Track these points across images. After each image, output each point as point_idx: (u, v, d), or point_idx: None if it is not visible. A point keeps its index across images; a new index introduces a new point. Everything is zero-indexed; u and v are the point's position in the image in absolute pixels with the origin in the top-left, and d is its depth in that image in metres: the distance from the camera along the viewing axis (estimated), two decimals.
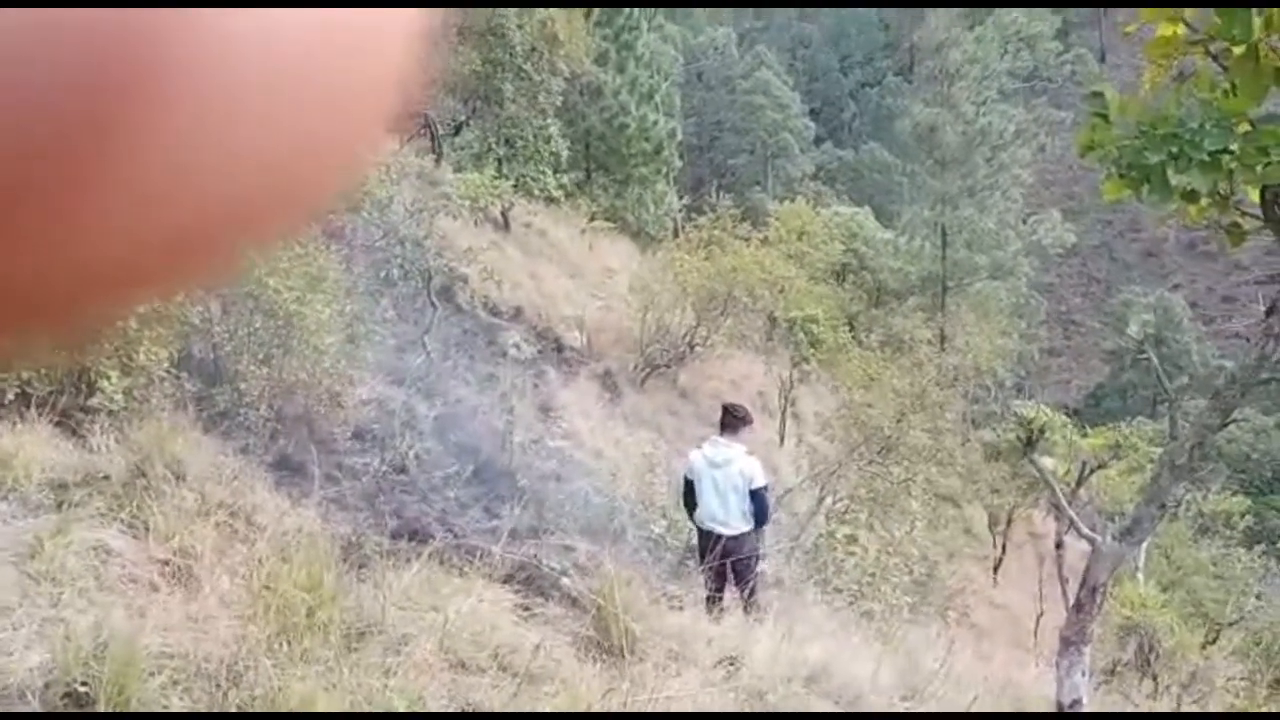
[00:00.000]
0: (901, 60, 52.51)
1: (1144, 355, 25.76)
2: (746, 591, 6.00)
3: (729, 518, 6.13)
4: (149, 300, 0.22)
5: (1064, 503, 2.82)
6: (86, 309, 0.21)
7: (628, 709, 3.24)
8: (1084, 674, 2.71)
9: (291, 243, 7.18)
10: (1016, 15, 38.08)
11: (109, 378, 5.15)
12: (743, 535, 6.11)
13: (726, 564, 5.89)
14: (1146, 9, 2.45)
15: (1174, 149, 2.54)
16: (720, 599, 5.95)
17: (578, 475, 10.70)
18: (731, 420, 6.37)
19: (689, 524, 6.85)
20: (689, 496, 6.39)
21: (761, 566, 6.72)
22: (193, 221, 0.21)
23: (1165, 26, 2.46)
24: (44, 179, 0.19)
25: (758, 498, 6.12)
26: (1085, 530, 2.79)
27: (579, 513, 8.39)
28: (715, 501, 6.15)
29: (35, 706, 3.13)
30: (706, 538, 6.20)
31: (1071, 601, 2.69)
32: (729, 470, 6.14)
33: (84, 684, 3.11)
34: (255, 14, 0.19)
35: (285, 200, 0.22)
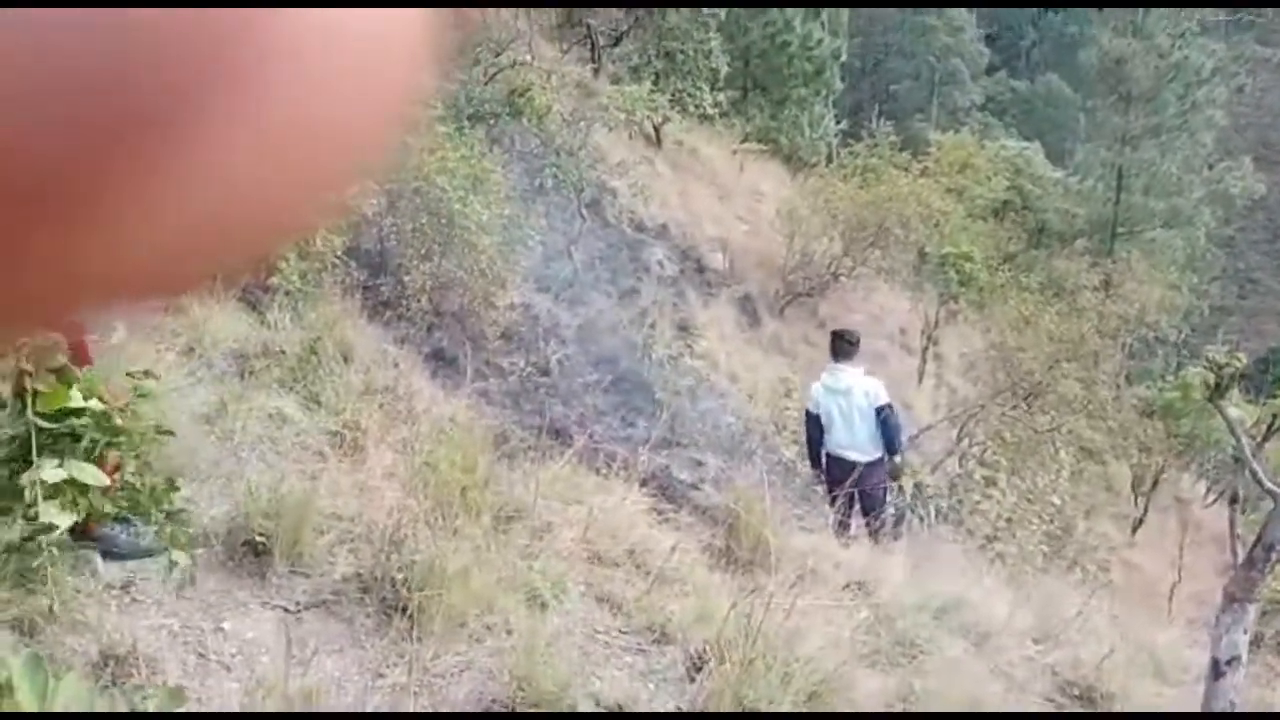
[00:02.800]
0: None
1: None
2: (877, 522, 5.99)
3: (860, 442, 6.10)
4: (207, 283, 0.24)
5: (1249, 455, 2.66)
6: (165, 290, 0.23)
7: (759, 617, 3.32)
8: (1245, 632, 2.61)
9: (457, 143, 7.38)
10: None
11: (287, 260, 5.47)
12: (876, 461, 6.08)
13: (855, 492, 5.86)
14: None
15: None
16: (849, 525, 5.95)
17: (712, 395, 10.78)
18: (844, 345, 6.32)
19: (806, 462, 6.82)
20: (813, 431, 6.38)
21: (893, 501, 6.66)
22: (269, 205, 0.22)
23: None
24: (121, 166, 0.20)
25: (884, 417, 6.06)
26: (1269, 484, 2.65)
27: (711, 431, 8.49)
28: (843, 428, 6.14)
29: (218, 550, 3.45)
30: (838, 465, 6.19)
31: (1241, 559, 2.58)
32: (852, 395, 6.09)
33: (262, 535, 3.39)
34: (322, 13, 0.21)
35: (328, 186, 0.23)
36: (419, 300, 6.42)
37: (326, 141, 0.22)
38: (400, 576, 3.23)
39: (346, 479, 3.82)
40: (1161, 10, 27.02)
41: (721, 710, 3.15)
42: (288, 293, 5.38)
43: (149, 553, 3.16)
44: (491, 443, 4.56)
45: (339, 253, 5.83)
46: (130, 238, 0.21)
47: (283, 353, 4.89)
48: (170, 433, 2.23)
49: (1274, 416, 3.40)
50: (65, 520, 1.99)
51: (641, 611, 3.68)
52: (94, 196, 0.20)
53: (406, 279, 6.43)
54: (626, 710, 3.18)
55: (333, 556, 3.47)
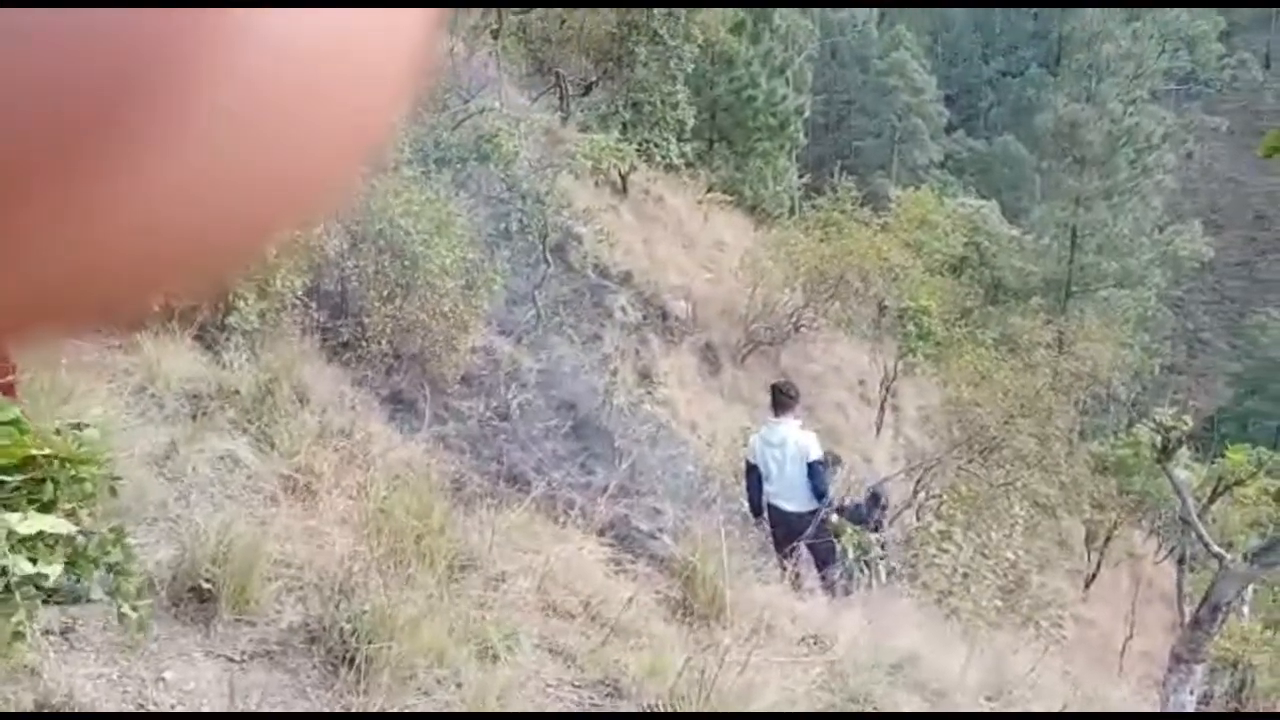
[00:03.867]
0: (1048, 51, 50.36)
1: None
2: (826, 575, 6.07)
3: (793, 493, 6.25)
4: (167, 293, 0.23)
5: (1195, 517, 2.71)
6: (104, 301, 0.22)
7: (715, 671, 3.29)
8: (1192, 693, 2.63)
9: (423, 186, 7.39)
10: (1180, 13, 36.00)
11: (246, 299, 5.41)
12: (810, 513, 6.20)
13: (800, 543, 5.99)
14: None
15: None
16: (799, 578, 5.98)
17: (672, 442, 10.78)
18: (782, 399, 6.52)
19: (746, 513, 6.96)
20: (751, 481, 6.57)
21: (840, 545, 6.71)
22: (221, 213, 0.21)
23: None
24: (65, 171, 0.20)
25: (814, 471, 6.22)
26: (1214, 547, 2.70)
27: (671, 479, 8.47)
28: (778, 478, 6.31)
29: (163, 597, 3.36)
30: (775, 514, 6.36)
31: (1188, 619, 2.61)
32: (786, 448, 6.25)
33: (208, 581, 3.31)
34: (284, 14, 0.20)
35: (305, 193, 0.22)
36: (379, 342, 6.37)
37: (277, 155, 0.21)
38: (349, 626, 3.17)
39: (298, 524, 3.75)
40: (1116, 77, 27.95)
41: None
42: (245, 332, 5.32)
43: (91, 598, 3.07)
44: (448, 488, 4.52)
45: (299, 293, 5.79)
46: (58, 245, 0.20)
47: (237, 393, 4.82)
48: (118, 479, 2.19)
49: (1219, 480, 3.47)
50: (55, 569, 1.93)
51: (595, 665, 3.64)
52: (25, 200, 0.20)
53: (367, 321, 6.39)
54: None
55: (280, 604, 3.40)
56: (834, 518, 6.53)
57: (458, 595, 3.51)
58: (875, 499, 6.79)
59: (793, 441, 6.31)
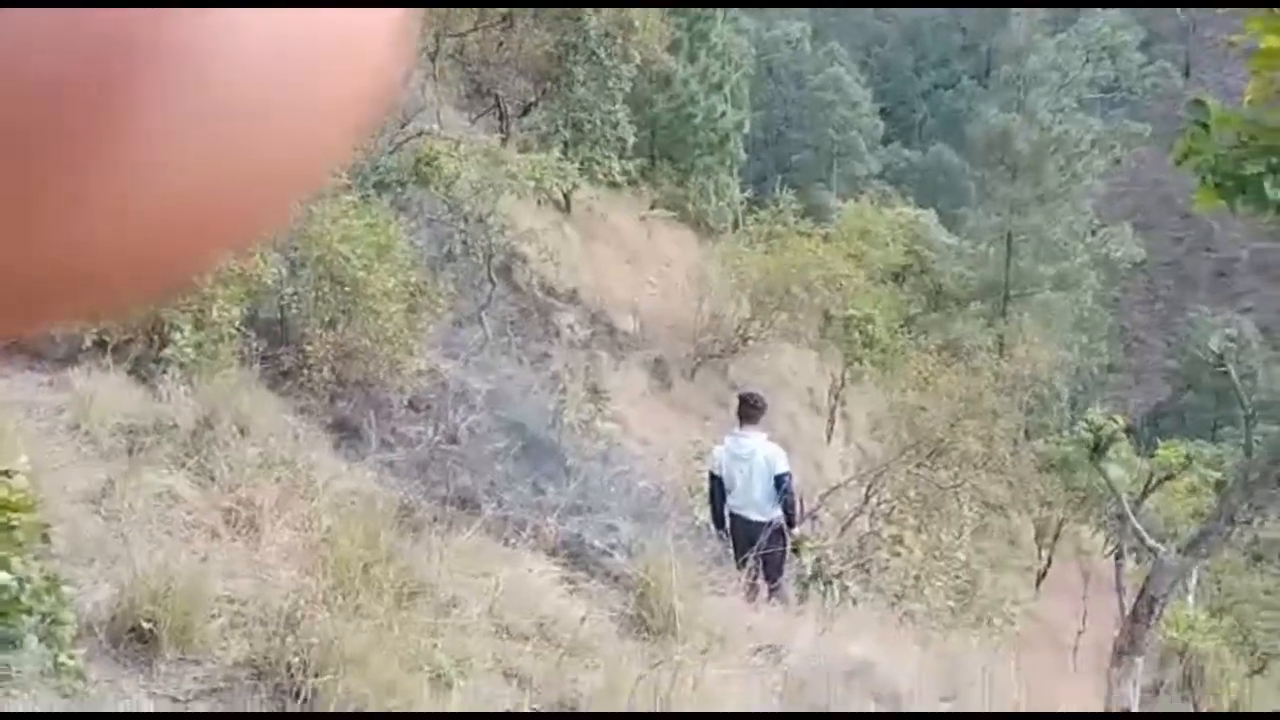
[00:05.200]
0: (978, 64, 51.60)
1: (1222, 369, 25.08)
2: (774, 584, 6.09)
3: (759, 503, 6.25)
4: (123, 299, 0.22)
5: (1129, 512, 2.78)
6: (55, 306, 0.22)
7: (669, 687, 3.28)
8: (1134, 684, 2.68)
9: (362, 211, 7.32)
10: (1101, 24, 37.14)
11: (182, 330, 5.30)
12: (773, 522, 6.21)
13: (755, 553, 5.99)
14: (1254, 21, 2.40)
15: (1274, 160, 2.50)
16: (759, 588, 6.00)
17: (624, 459, 10.76)
18: (749, 410, 6.49)
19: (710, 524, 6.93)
20: (715, 492, 6.53)
21: (799, 560, 6.76)
22: (166, 219, 0.21)
23: (1270, 39, 2.40)
24: (21, 171, 0.19)
25: (782, 484, 6.22)
26: (1149, 540, 2.76)
27: (624, 495, 8.44)
28: (743, 490, 6.29)
29: (102, 640, 3.25)
30: (739, 525, 6.32)
31: (1127, 612, 2.66)
32: (754, 460, 6.25)
33: (149, 621, 3.22)
34: (232, 14, 0.20)
35: (259, 198, 0.22)
36: (321, 369, 6.28)
37: (227, 157, 0.21)
38: (296, 660, 3.10)
39: (240, 559, 3.67)
40: (1043, 87, 28.69)
41: None
42: (181, 364, 5.21)
43: (25, 647, 2.96)
44: (396, 515, 4.45)
45: (237, 323, 5.68)
46: (23, 244, 0.20)
47: (175, 427, 4.71)
48: (48, 526, 2.12)
49: (1150, 475, 3.56)
50: None
51: (550, 686, 3.60)
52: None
53: (308, 348, 6.29)
54: None
55: (225, 641, 3.31)
56: (796, 532, 6.52)
57: (408, 624, 3.46)
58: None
59: (761, 454, 6.29)
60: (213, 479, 4.25)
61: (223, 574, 3.52)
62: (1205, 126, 2.75)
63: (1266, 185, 2.60)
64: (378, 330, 6.66)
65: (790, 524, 6.32)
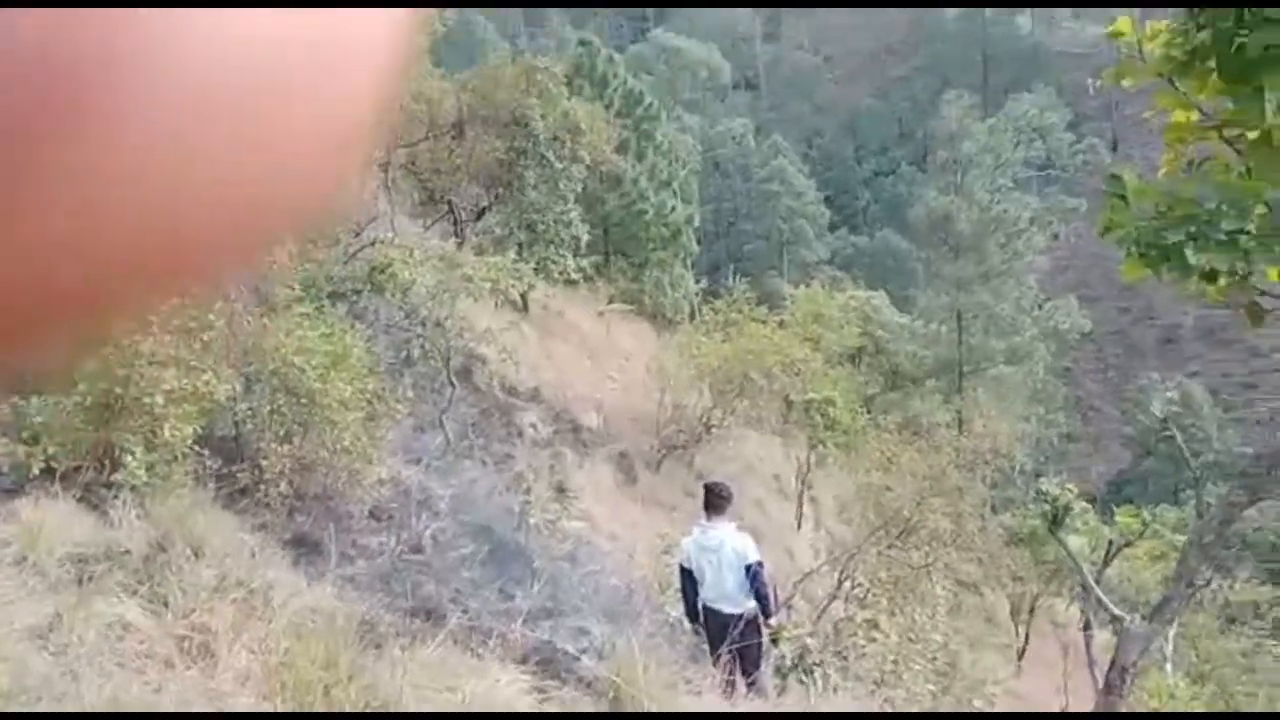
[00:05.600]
0: (915, 150, 53.48)
1: (1168, 434, 25.57)
2: (751, 678, 5.96)
3: (731, 594, 6.15)
4: (99, 317, 0.22)
5: (1091, 581, 2.78)
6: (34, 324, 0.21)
7: None
8: None
9: (316, 322, 7.30)
10: (1028, 107, 38.75)
11: (133, 453, 5.19)
12: (747, 614, 6.11)
13: (730, 647, 5.87)
14: (1163, 98, 2.53)
15: (1192, 229, 2.60)
16: (735, 683, 5.87)
17: (593, 557, 10.60)
18: (715, 500, 6.44)
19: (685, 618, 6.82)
20: (687, 585, 6.44)
21: (777, 651, 6.65)
22: (137, 228, 0.20)
23: (1180, 113, 2.53)
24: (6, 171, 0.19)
25: (754, 574, 6.14)
26: (1114, 610, 2.76)
27: (594, 595, 8.28)
28: (714, 582, 6.20)
29: None
30: (713, 618, 6.21)
31: (1100, 684, 2.64)
32: (723, 551, 6.18)
33: None
34: (206, 14, 0.20)
35: (245, 204, 0.21)
36: (278, 484, 6.16)
37: (202, 161, 0.20)
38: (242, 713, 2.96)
39: (195, 688, 3.52)
40: (978, 169, 29.74)
41: None
42: (133, 488, 5.08)
43: None
44: (357, 632, 4.32)
45: (190, 442, 5.58)
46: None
47: (127, 553, 4.57)
48: None
49: (1110, 544, 3.58)
50: None
51: None
52: None
53: (265, 463, 6.18)
54: None
55: None
56: (773, 622, 6.42)
57: None
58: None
59: (729, 545, 6.21)
60: (166, 605, 4.11)
61: (177, 704, 3.38)
62: (1124, 199, 2.86)
63: (1188, 253, 2.69)
64: (335, 441, 6.57)
65: (766, 614, 6.22)
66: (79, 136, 0.19)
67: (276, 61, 0.20)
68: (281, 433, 6.51)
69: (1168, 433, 26.70)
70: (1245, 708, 10.94)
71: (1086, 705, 11.84)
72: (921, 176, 44.82)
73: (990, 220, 28.72)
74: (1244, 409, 43.33)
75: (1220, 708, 10.54)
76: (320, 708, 3.32)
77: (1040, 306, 31.25)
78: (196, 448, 5.82)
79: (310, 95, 0.21)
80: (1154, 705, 8.72)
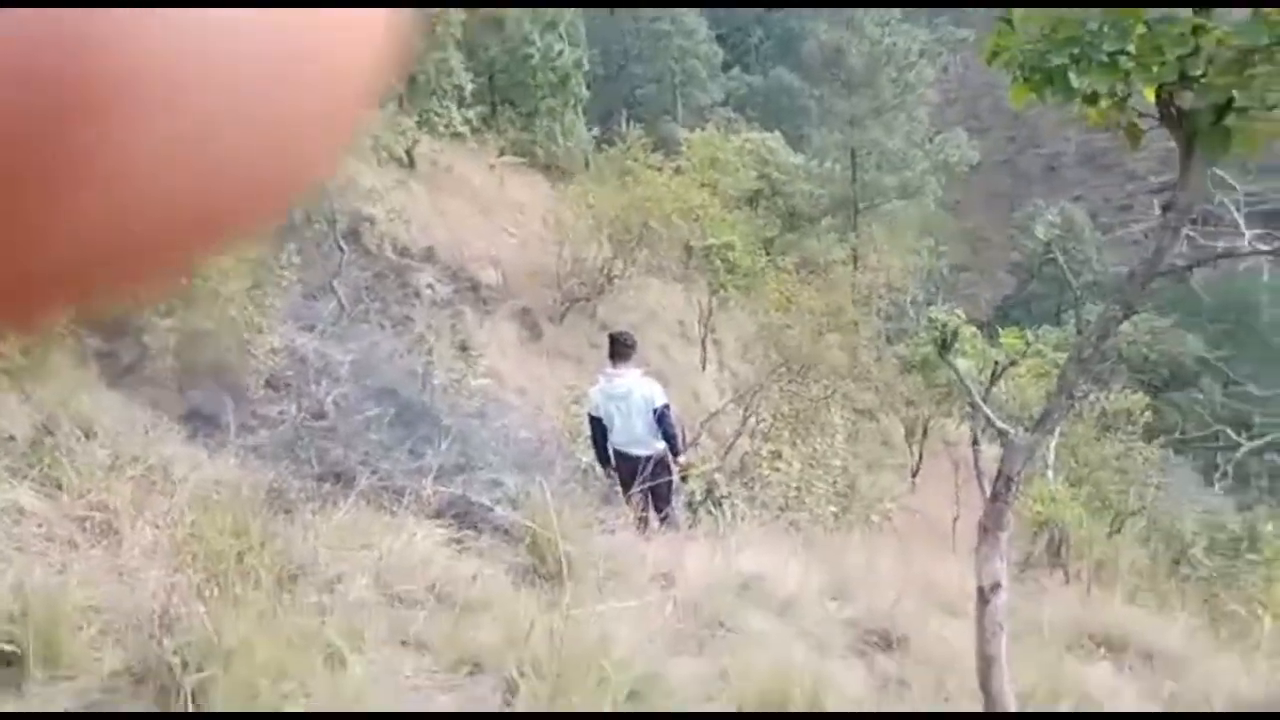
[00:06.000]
0: None
1: (1051, 257, 26.69)
2: (663, 513, 6.21)
3: (641, 437, 6.33)
4: (108, 298, 0.22)
5: (979, 400, 2.94)
6: (46, 307, 0.22)
7: (562, 629, 3.30)
8: (1001, 559, 2.86)
9: None
10: None
11: (5, 336, 4.92)
12: (656, 455, 6.31)
13: (642, 486, 6.08)
14: None
15: (1075, 51, 2.62)
16: (648, 520, 6.10)
17: (502, 412, 10.67)
18: (621, 349, 6.54)
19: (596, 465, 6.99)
20: (596, 433, 6.58)
21: (688, 487, 6.91)
22: (149, 221, 0.20)
23: None
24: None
25: (662, 417, 6.32)
26: (1000, 424, 2.92)
27: (505, 449, 8.38)
28: (623, 428, 6.36)
29: None
30: (624, 461, 6.39)
31: (989, 494, 2.83)
32: (631, 398, 6.31)
33: (9, 643, 3.03)
34: (211, 14, 0.19)
35: (245, 196, 0.21)
36: (165, 359, 5.95)
37: (205, 157, 0.20)
38: (176, 659, 2.97)
39: (102, 566, 3.47)
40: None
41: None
42: (8, 372, 4.83)
43: None
44: (265, 499, 4.29)
45: (66, 321, 5.30)
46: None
47: (12, 439, 4.39)
48: None
49: (995, 364, 3.76)
50: None
51: (450, 647, 3.57)
52: None
53: (148, 339, 5.94)
54: None
55: (97, 651, 3.15)
56: (682, 460, 6.63)
57: (291, 607, 3.36)
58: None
59: (637, 392, 6.35)
60: (60, 487, 3.99)
61: (84, 583, 3.33)
62: (1010, 24, 2.85)
63: (1071, 76, 2.72)
64: (221, 312, 6.34)
65: (675, 453, 6.43)
66: (105, 123, 0.20)
67: (280, 49, 0.21)
68: (162, 308, 6.23)
69: (1051, 256, 27.84)
70: (1118, 505, 11.93)
71: (977, 514, 12.73)
72: (812, 12, 44.00)
73: (881, 53, 28.56)
74: (1121, 230, 45.39)
75: (1096, 507, 11.47)
76: (234, 576, 3.32)
77: (931, 140, 31.63)
78: (71, 327, 5.54)
79: (312, 79, 0.21)
80: (1038, 509, 9.43)
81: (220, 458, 4.81)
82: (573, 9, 23.60)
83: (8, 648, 3.10)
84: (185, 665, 2.98)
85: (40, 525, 3.89)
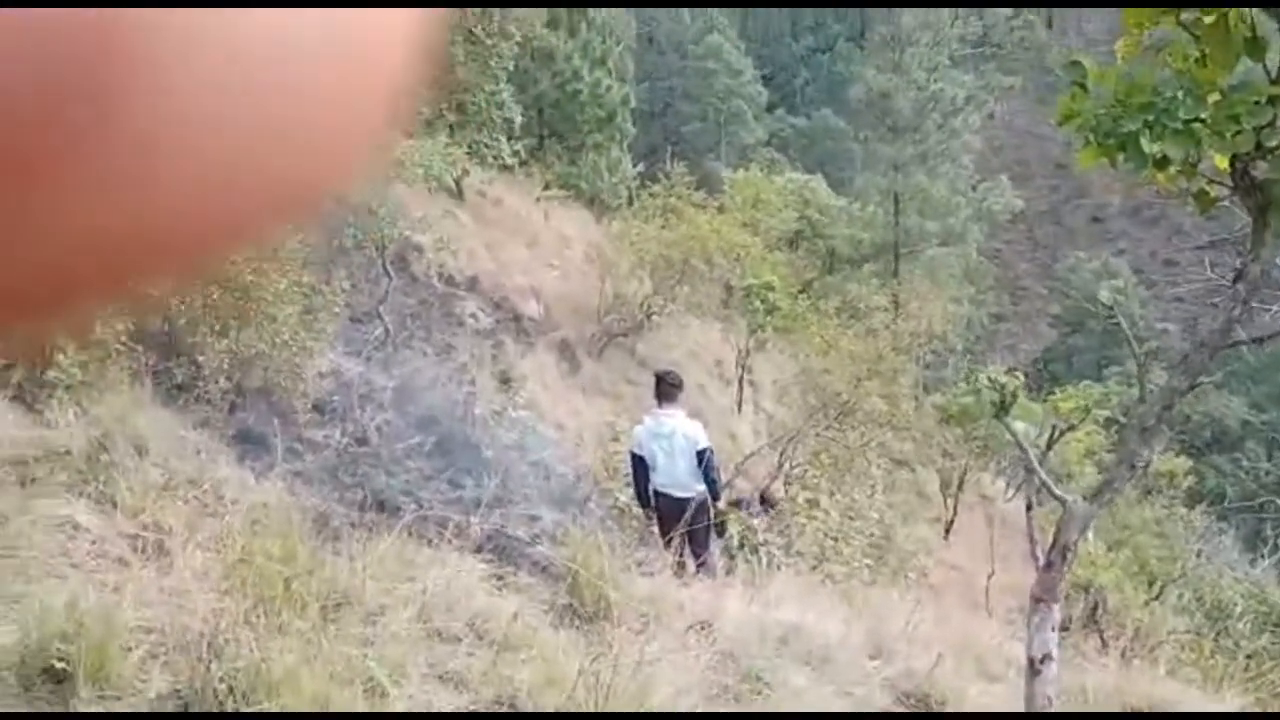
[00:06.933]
0: (853, 25, 52.57)
1: (1113, 318, 26.27)
2: (700, 559, 6.18)
3: (683, 479, 6.32)
4: (115, 297, 0.22)
5: (1036, 464, 2.91)
6: (48, 306, 0.22)
7: (606, 675, 3.29)
8: (1053, 629, 2.81)
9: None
10: None
11: (65, 350, 5.03)
12: (698, 497, 6.29)
13: (681, 529, 6.06)
14: None
15: (1149, 117, 2.62)
16: (686, 565, 6.07)
17: (540, 446, 10.70)
18: (667, 389, 6.54)
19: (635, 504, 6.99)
20: (638, 472, 6.57)
21: (727, 532, 6.88)
22: (155, 218, 0.21)
23: None
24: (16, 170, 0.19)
25: (704, 459, 6.31)
26: (1056, 491, 2.88)
27: (543, 483, 8.40)
28: (666, 468, 6.35)
29: (11, 684, 3.08)
30: (665, 502, 6.37)
31: (1041, 561, 2.79)
32: (675, 439, 6.31)
33: (61, 660, 3.07)
34: (222, 14, 0.20)
35: (256, 199, 0.21)
36: (217, 380, 6.05)
37: (215, 159, 0.20)
38: (223, 686, 2.99)
39: (153, 586, 3.52)
40: (916, 46, 29.42)
41: None
42: (68, 386, 4.94)
43: None
44: (312, 525, 4.33)
45: (123, 338, 5.42)
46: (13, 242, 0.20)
47: (68, 453, 4.47)
48: None
49: (1054, 429, 3.73)
50: None
51: (488, 685, 3.57)
52: None
53: (201, 359, 6.05)
54: None
55: (145, 673, 3.18)
56: (721, 504, 6.64)
57: (336, 637, 3.38)
58: (764, 501, 6.92)
59: (681, 432, 6.35)
60: (114, 505, 4.06)
61: (136, 603, 3.37)
62: (1084, 86, 2.86)
63: (1143, 141, 2.72)
64: (273, 335, 6.45)
65: (715, 497, 6.42)
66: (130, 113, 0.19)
67: (289, 58, 0.20)
68: (217, 327, 6.36)
69: (1111, 317, 27.43)
70: (1158, 572, 11.68)
71: (1012, 571, 12.51)
72: (859, 54, 44.20)
73: (928, 99, 28.58)
74: (1165, 287, 44.79)
75: (1134, 570, 11.24)
76: (281, 603, 3.35)
77: (974, 187, 31.50)
78: (130, 344, 5.66)
79: (328, 83, 0.21)
80: (1077, 571, 9.24)
81: (267, 481, 4.87)
82: (621, 45, 23.90)
83: (59, 664, 3.14)
84: (232, 692, 3.00)
85: (94, 541, 3.95)
